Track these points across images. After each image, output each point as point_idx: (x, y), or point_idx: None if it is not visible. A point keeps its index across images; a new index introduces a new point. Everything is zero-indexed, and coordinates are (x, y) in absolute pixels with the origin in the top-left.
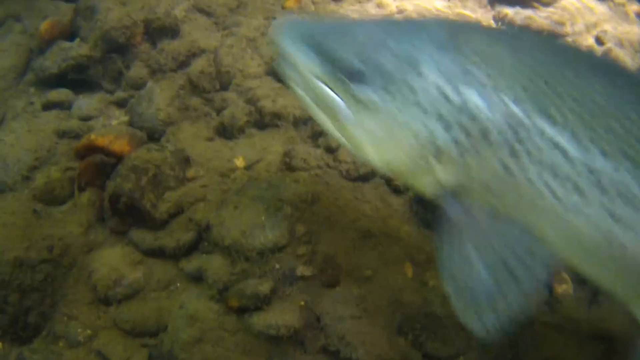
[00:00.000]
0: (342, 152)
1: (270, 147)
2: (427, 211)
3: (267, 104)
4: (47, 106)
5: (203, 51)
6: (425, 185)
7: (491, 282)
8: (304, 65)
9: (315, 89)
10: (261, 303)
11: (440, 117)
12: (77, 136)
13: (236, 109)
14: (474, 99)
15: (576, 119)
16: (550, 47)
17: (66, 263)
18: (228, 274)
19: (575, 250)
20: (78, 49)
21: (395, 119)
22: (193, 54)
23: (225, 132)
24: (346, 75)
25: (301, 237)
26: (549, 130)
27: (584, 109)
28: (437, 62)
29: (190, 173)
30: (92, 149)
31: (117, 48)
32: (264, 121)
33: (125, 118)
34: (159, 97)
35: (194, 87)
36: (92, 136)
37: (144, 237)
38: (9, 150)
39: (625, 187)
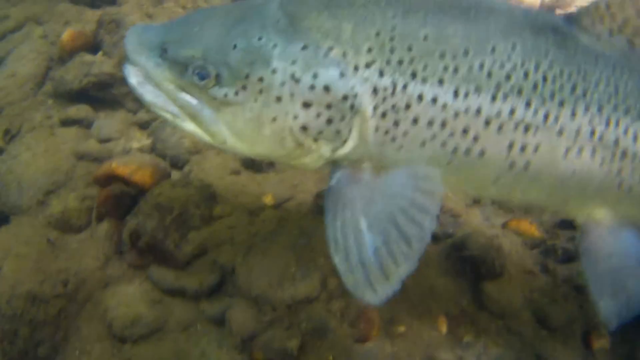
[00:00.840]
0: None
1: (301, 184)
2: (465, 262)
3: None
4: (66, 122)
5: None
6: (306, 163)
7: (379, 243)
8: (155, 74)
9: (170, 94)
10: (289, 358)
11: (299, 100)
12: (96, 159)
13: None
14: (328, 76)
15: (442, 71)
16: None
17: (81, 298)
18: (254, 323)
19: (484, 185)
20: (101, 66)
21: (256, 113)
22: None
23: (254, 164)
24: (199, 77)
25: (334, 290)
26: (422, 89)
27: (444, 56)
28: (286, 54)
29: (217, 211)
30: (113, 177)
31: None
32: None
33: (147, 141)
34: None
35: None
36: (113, 164)
37: (165, 275)
38: (24, 170)
39: (510, 115)
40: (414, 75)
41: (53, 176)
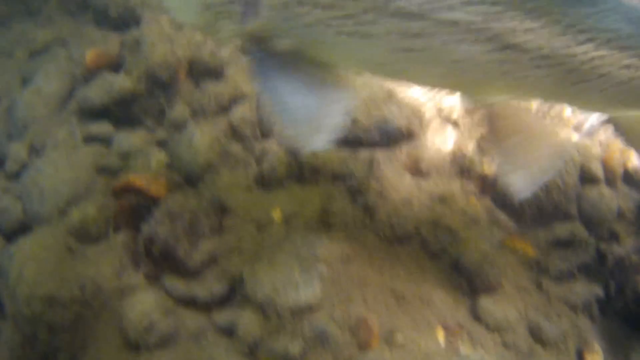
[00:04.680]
0: (380, 212)
1: (308, 201)
2: (462, 276)
3: (307, 158)
4: (88, 139)
5: (246, 96)
6: (223, 36)
7: (304, 108)
8: None
9: None
10: None
11: None
12: (115, 173)
13: (276, 160)
14: None
15: None
16: None
17: (97, 304)
18: (259, 330)
19: (377, 65)
20: (122, 83)
21: None
22: (235, 99)
23: (264, 182)
24: None
25: (334, 297)
26: None
27: None
28: None
29: (227, 222)
30: (130, 189)
31: (160, 85)
32: (303, 174)
33: (164, 158)
34: (200, 141)
35: (235, 133)
36: (130, 176)
37: (177, 284)
38: (46, 181)
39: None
40: None
41: (74, 188)
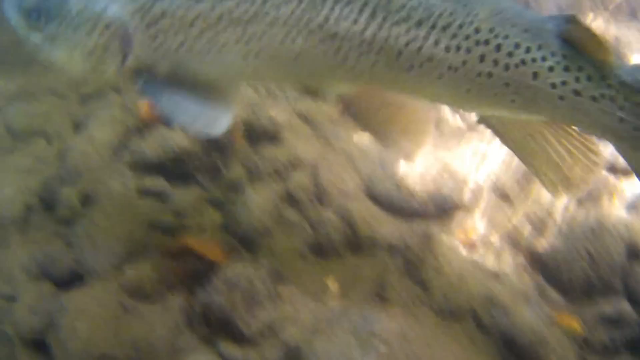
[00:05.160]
0: (435, 286)
1: (363, 273)
2: (513, 353)
3: (364, 228)
4: (142, 192)
5: (302, 163)
6: (108, 78)
7: (194, 113)
8: (15, 21)
9: (27, 34)
10: None
11: (84, 30)
12: (170, 230)
13: (332, 229)
14: (95, 8)
15: None
16: None
17: None
18: None
19: (239, 72)
20: (178, 141)
21: (68, 41)
22: (292, 164)
23: (320, 250)
24: (35, 19)
25: None
26: (161, 4)
27: None
28: None
29: (283, 291)
30: (186, 251)
31: (216, 145)
32: (359, 245)
33: (219, 219)
34: (256, 205)
35: (291, 199)
36: (187, 238)
37: (233, 350)
38: (101, 236)
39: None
40: None
41: (128, 243)
